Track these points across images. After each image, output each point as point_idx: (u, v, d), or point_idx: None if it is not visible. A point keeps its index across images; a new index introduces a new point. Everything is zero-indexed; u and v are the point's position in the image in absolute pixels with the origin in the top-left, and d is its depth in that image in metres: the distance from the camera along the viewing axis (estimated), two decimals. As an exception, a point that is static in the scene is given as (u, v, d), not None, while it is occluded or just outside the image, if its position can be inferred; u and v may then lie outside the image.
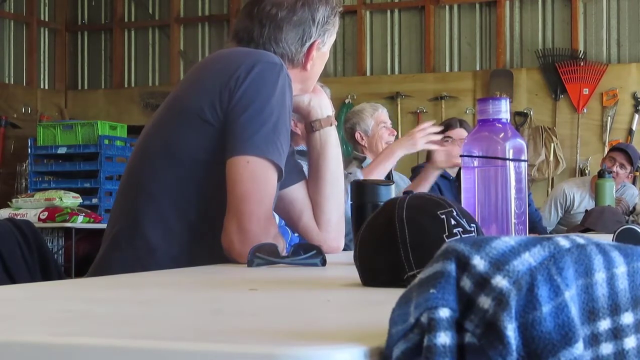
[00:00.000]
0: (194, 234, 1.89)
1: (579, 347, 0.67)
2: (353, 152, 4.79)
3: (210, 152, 1.87)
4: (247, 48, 2.01)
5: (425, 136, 3.97)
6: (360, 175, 4.07)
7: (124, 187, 2.03)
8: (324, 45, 2.08)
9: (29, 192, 8.02)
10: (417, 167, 5.35)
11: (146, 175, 1.94)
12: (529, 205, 5.50)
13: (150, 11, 9.77)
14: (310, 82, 2.13)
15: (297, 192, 2.16)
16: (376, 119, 4.72)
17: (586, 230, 4.42)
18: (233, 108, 1.86)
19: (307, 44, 2.04)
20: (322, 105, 2.17)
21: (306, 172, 2.22)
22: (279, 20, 2.02)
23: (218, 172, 1.85)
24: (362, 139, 4.70)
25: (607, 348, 0.71)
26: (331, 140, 2.16)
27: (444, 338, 0.67)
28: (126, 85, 9.83)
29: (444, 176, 5.07)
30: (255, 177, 1.82)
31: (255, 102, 1.85)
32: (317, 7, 2.04)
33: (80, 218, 7.07)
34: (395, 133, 4.86)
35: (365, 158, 4.58)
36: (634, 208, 5.71)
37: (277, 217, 2.21)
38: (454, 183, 5.09)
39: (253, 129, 1.84)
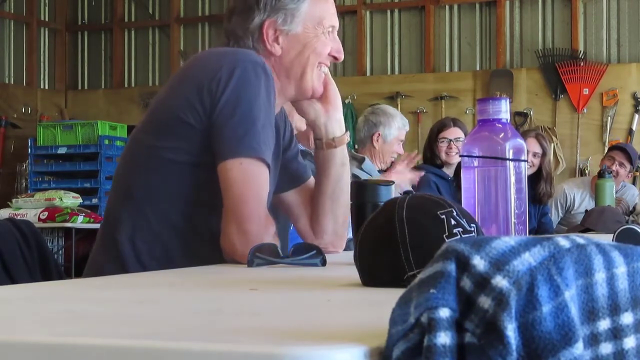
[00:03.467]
0: (176, 235, 1.90)
1: (578, 347, 0.67)
2: (351, 152, 4.78)
3: (193, 154, 1.87)
4: (222, 48, 2.01)
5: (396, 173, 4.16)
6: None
7: (112, 189, 2.06)
8: (284, 25, 2.00)
9: (29, 192, 8.02)
10: (415, 167, 5.34)
11: (130, 178, 1.96)
12: (545, 214, 5.50)
13: (150, 11, 9.77)
14: (295, 74, 2.03)
15: (294, 196, 2.17)
16: (399, 134, 4.78)
17: (586, 230, 4.42)
18: (220, 112, 1.84)
19: (253, 26, 1.99)
20: (329, 125, 2.10)
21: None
22: (229, 11, 2.04)
23: (200, 174, 1.86)
24: (377, 141, 4.72)
25: (606, 348, 0.71)
26: (334, 161, 2.12)
27: (444, 338, 0.67)
28: (126, 85, 9.82)
29: (441, 176, 5.08)
30: (251, 177, 1.82)
31: (241, 104, 1.85)
32: None
33: (80, 218, 7.07)
34: (402, 153, 4.88)
35: (364, 159, 4.58)
36: (634, 208, 5.71)
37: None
38: (452, 183, 5.09)
39: (243, 130, 1.83)
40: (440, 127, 5.17)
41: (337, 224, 2.15)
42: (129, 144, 2.03)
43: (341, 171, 2.13)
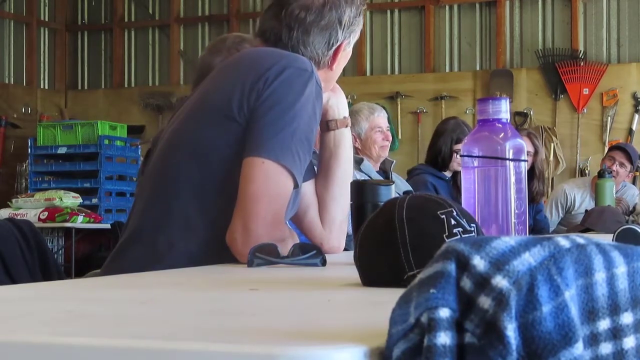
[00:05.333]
0: (214, 231, 1.89)
1: (578, 347, 0.67)
2: None
3: (235, 150, 1.87)
4: (277, 49, 2.00)
5: None
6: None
7: (148, 182, 2.02)
8: (348, 45, 2.08)
9: (29, 192, 8.03)
10: (413, 169, 5.34)
11: (171, 171, 1.94)
12: (539, 212, 5.51)
13: (150, 11, 9.77)
14: (332, 81, 2.14)
15: (306, 187, 2.16)
16: (371, 122, 4.68)
17: (586, 230, 4.42)
18: (257, 109, 1.86)
19: (334, 47, 2.04)
20: (340, 105, 2.18)
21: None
22: (308, 24, 2.01)
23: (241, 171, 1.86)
24: (356, 140, 4.68)
25: (606, 348, 0.71)
26: (345, 142, 2.17)
27: (444, 338, 0.67)
28: (126, 85, 9.83)
29: (439, 177, 5.06)
30: (267, 179, 1.82)
31: (277, 106, 1.85)
32: (344, 9, 2.04)
33: (80, 218, 7.08)
34: (391, 138, 4.81)
35: (362, 160, 4.57)
36: (634, 208, 5.71)
37: None
38: (450, 183, 5.08)
39: (271, 132, 1.84)
40: (458, 138, 5.05)
41: (344, 214, 2.16)
42: (169, 136, 2.00)
43: (349, 154, 2.18)
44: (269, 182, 1.82)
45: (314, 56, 2.03)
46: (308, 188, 2.16)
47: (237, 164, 1.86)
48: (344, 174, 2.16)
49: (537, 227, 5.34)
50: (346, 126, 2.18)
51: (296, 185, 1.88)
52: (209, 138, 1.90)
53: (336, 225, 2.15)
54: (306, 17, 2.01)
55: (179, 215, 1.90)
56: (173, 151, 1.97)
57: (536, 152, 5.37)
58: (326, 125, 2.17)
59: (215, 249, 1.87)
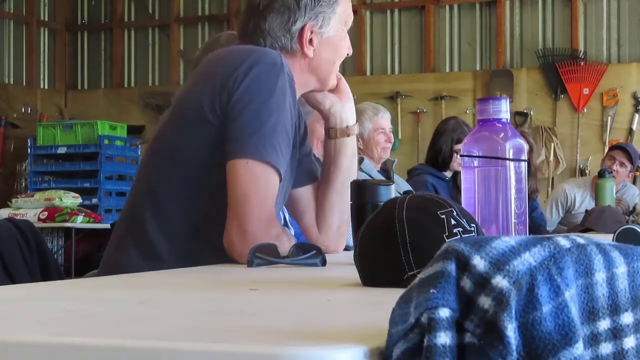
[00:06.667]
0: (197, 234, 1.89)
1: (579, 347, 0.67)
2: None
3: (212, 152, 1.87)
4: (245, 46, 2.00)
5: None
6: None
7: (133, 187, 2.04)
8: (320, 29, 2.02)
9: (28, 192, 8.03)
10: (413, 169, 5.33)
11: (152, 176, 1.95)
12: (535, 209, 5.50)
13: (150, 11, 9.77)
14: (323, 72, 2.06)
15: (302, 192, 2.15)
16: (375, 123, 4.67)
17: (586, 230, 4.42)
18: (231, 109, 1.85)
19: (295, 29, 2.00)
20: (343, 114, 2.13)
21: None
22: (262, 9, 2.00)
23: (220, 173, 1.85)
24: (358, 140, 4.66)
25: (606, 348, 0.71)
26: (345, 151, 2.14)
27: (444, 338, 0.67)
28: (126, 85, 9.83)
29: (439, 177, 5.06)
30: (255, 178, 1.82)
31: (252, 104, 1.85)
32: None
33: (80, 218, 7.08)
34: (392, 140, 4.81)
35: (362, 159, 4.57)
36: (634, 208, 5.71)
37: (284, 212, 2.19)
38: (450, 183, 5.07)
39: (250, 131, 1.83)
40: (458, 138, 5.02)
41: (342, 219, 2.14)
42: (152, 141, 2.02)
43: (351, 161, 2.16)
44: (257, 182, 1.82)
45: (277, 42, 2.00)
46: (304, 193, 2.16)
47: (215, 164, 1.86)
48: (343, 182, 2.11)
49: (534, 225, 5.33)
50: (347, 135, 2.14)
51: (280, 178, 1.87)
52: (185, 139, 1.91)
53: (332, 232, 2.15)
54: (260, 3, 2.00)
55: (161, 220, 1.91)
56: (154, 153, 1.98)
57: (530, 150, 5.35)
58: (327, 132, 2.15)
59: (200, 251, 1.88)
